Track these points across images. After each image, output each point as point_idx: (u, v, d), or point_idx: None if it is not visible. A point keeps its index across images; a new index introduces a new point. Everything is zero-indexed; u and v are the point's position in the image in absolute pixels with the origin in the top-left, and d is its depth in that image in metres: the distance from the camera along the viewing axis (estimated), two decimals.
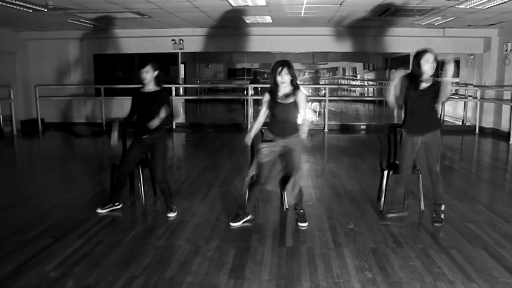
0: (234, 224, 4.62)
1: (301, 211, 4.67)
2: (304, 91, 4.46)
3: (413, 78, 4.44)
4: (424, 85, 4.43)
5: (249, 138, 4.52)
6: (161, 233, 4.46)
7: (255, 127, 4.58)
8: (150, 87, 4.82)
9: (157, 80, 4.84)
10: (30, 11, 8.63)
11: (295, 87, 4.36)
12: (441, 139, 4.62)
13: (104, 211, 5.00)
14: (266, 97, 4.43)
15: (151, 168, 4.98)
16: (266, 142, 4.40)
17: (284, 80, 4.29)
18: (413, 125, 4.54)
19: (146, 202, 5.30)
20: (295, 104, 4.35)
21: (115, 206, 5.08)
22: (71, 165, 8.14)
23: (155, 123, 4.63)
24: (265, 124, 4.61)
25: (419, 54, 4.38)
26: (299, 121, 4.44)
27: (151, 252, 3.98)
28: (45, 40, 12.47)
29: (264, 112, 4.48)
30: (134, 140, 4.95)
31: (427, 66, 4.32)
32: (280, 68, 4.28)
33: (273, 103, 4.38)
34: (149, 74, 4.75)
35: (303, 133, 4.33)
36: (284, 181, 4.52)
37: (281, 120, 4.39)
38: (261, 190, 4.63)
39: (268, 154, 4.35)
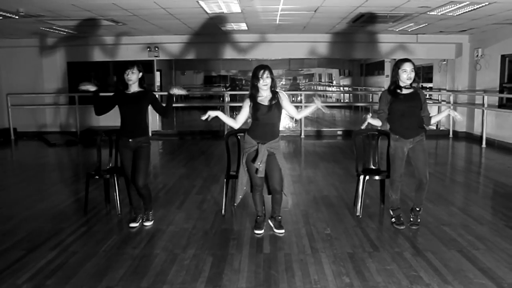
0: (259, 232, 4.59)
1: (279, 217, 4.67)
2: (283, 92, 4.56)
3: (394, 88, 4.55)
4: (405, 91, 4.53)
5: (211, 113, 4.38)
6: (137, 242, 4.40)
7: (229, 120, 4.59)
8: (135, 89, 4.73)
9: (141, 82, 4.76)
10: (0, 18, 8.47)
11: (274, 91, 4.43)
12: (425, 144, 4.69)
13: (137, 224, 4.85)
14: (247, 102, 4.44)
15: (126, 177, 4.88)
16: (254, 156, 4.40)
17: (266, 83, 4.35)
18: (404, 129, 4.58)
19: (121, 211, 5.22)
20: (277, 106, 4.41)
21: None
22: (44, 175, 7.98)
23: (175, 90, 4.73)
24: (245, 129, 4.64)
25: (398, 63, 4.54)
26: (284, 123, 4.51)
27: (127, 261, 3.92)
28: (17, 47, 12.23)
29: (243, 116, 4.47)
30: (119, 147, 4.81)
31: (404, 76, 4.44)
32: (261, 71, 4.34)
33: (255, 106, 4.40)
34: (134, 75, 4.66)
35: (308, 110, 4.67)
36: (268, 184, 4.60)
37: (263, 123, 4.42)
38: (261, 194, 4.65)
39: (263, 167, 4.40)
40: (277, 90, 4.49)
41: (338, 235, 4.53)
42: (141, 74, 4.73)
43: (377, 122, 4.62)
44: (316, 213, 5.30)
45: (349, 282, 3.51)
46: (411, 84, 4.51)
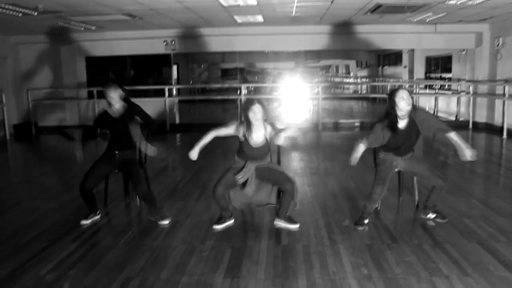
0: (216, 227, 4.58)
1: (287, 214, 4.62)
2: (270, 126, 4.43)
3: (389, 120, 4.32)
4: (401, 124, 4.33)
5: (194, 153, 4.50)
6: (156, 234, 4.45)
7: (201, 144, 4.54)
8: (118, 107, 4.79)
9: (124, 98, 4.83)
10: (20, 15, 8.58)
11: (265, 124, 4.39)
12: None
13: (89, 221, 4.74)
14: (239, 131, 4.43)
15: (84, 181, 4.76)
16: (238, 169, 4.46)
17: (257, 117, 4.28)
18: (396, 151, 4.47)
19: (141, 204, 5.27)
20: (266, 143, 4.43)
21: (97, 215, 4.83)
22: (65, 168, 8.10)
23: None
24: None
25: (393, 93, 4.30)
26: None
27: (146, 253, 3.97)
28: (36, 44, 12.40)
29: (220, 133, 4.49)
30: (103, 156, 4.87)
31: (403, 103, 4.21)
32: (253, 105, 4.29)
33: (245, 143, 4.41)
34: (116, 94, 4.73)
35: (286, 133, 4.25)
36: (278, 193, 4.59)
37: (251, 156, 4.46)
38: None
39: (243, 180, 4.42)
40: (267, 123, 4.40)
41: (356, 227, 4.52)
42: (121, 92, 4.77)
43: (361, 149, 4.44)
44: (334, 205, 5.29)
45: (367, 273, 3.50)
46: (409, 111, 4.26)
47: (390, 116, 4.32)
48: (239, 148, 4.53)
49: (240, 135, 4.43)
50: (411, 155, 4.56)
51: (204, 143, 4.52)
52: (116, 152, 4.75)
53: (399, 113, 4.27)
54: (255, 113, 4.29)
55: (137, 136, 4.83)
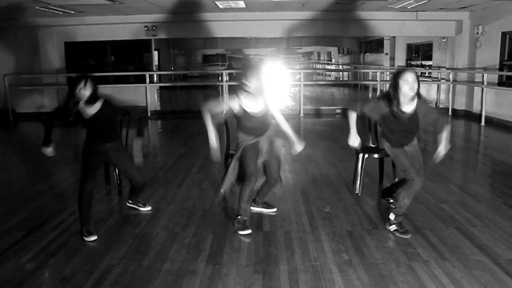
0: (248, 232, 4.11)
1: (265, 199, 4.65)
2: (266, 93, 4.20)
3: (391, 101, 3.82)
4: (407, 108, 3.82)
5: (216, 153, 4.13)
6: (137, 221, 4.44)
7: (213, 136, 4.15)
8: (91, 106, 4.05)
9: (95, 94, 4.04)
10: None
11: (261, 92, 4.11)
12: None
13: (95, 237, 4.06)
14: (236, 104, 4.08)
15: (85, 188, 4.15)
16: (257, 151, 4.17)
17: (252, 84, 4.00)
18: (395, 140, 4.02)
19: (122, 192, 5.24)
20: (266, 110, 4.16)
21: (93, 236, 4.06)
22: (43, 155, 7.98)
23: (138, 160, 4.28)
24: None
25: (398, 74, 3.78)
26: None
27: (128, 240, 3.96)
28: (13, 28, 12.12)
29: (221, 109, 4.17)
30: (89, 150, 4.19)
31: (407, 87, 3.69)
32: (248, 73, 4.03)
33: (245, 114, 4.09)
34: (87, 91, 3.97)
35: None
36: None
37: (256, 127, 4.15)
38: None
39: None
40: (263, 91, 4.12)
41: (337, 213, 4.57)
42: (94, 88, 4.02)
43: (354, 118, 4.28)
44: (315, 191, 5.33)
45: (348, 259, 3.55)
46: (414, 97, 3.78)
47: (391, 98, 3.81)
48: (240, 124, 4.17)
49: (237, 107, 4.08)
50: (415, 143, 4.13)
51: (211, 127, 4.13)
52: (108, 144, 4.21)
53: (401, 97, 3.75)
54: (249, 80, 3.99)
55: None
